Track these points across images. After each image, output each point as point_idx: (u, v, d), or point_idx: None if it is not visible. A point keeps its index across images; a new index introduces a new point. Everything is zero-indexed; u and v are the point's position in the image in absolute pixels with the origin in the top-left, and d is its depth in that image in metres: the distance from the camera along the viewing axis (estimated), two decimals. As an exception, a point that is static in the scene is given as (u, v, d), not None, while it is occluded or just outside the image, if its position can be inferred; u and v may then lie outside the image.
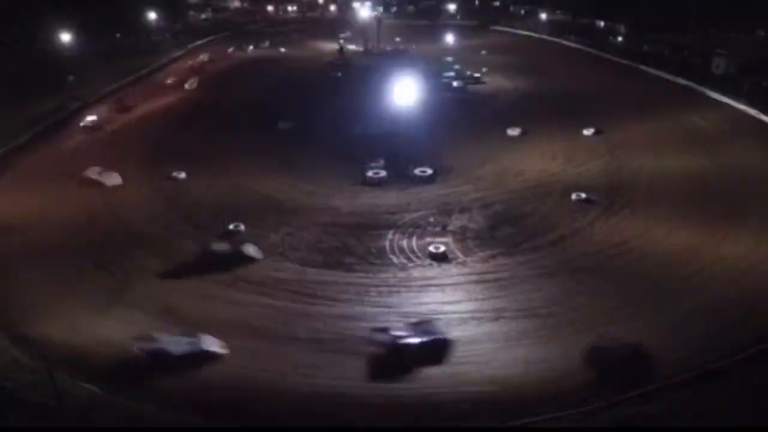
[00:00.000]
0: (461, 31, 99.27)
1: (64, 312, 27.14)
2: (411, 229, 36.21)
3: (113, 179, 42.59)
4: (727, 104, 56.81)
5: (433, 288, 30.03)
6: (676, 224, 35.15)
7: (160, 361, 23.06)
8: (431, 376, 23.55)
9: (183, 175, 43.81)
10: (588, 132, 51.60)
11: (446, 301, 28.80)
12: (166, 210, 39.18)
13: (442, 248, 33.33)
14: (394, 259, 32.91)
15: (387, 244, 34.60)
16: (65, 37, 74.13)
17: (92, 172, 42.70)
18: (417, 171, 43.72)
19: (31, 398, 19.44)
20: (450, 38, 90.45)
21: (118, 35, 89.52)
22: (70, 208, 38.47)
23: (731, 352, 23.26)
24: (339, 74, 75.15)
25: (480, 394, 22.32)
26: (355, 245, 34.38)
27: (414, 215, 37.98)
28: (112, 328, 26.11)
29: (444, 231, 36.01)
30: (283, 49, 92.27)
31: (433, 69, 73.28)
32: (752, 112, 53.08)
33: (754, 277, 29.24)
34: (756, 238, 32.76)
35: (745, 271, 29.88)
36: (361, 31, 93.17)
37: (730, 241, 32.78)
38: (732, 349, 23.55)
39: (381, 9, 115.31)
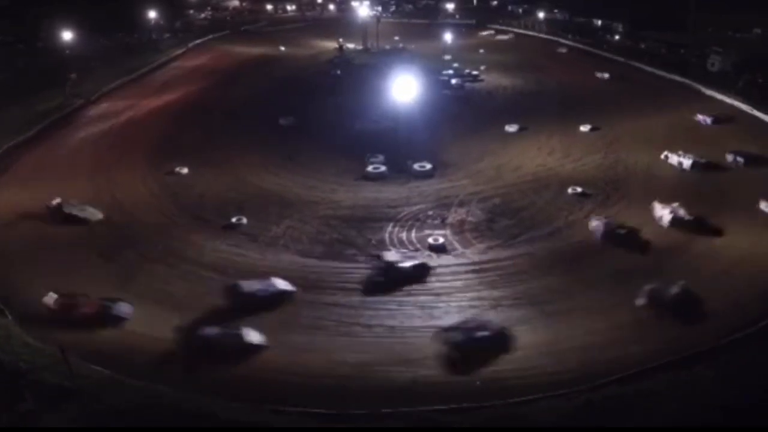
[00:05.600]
0: (459, 29, 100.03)
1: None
2: (410, 222, 36.97)
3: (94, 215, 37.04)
4: (721, 100, 57.66)
5: (432, 278, 30.68)
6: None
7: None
8: (434, 363, 24.19)
9: (185, 170, 44.42)
10: (585, 128, 52.42)
11: (445, 291, 29.51)
12: (170, 204, 39.80)
13: (441, 240, 34.10)
14: (394, 251, 33.58)
15: (387, 236, 35.38)
16: (67, 35, 74.65)
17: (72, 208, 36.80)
18: (416, 166, 44.45)
19: (46, 379, 20.11)
20: (448, 37, 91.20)
21: (119, 34, 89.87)
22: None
23: (720, 339, 24.13)
24: (338, 72, 75.79)
25: (477, 377, 23.07)
26: (356, 237, 35.13)
27: (413, 208, 38.74)
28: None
29: (443, 223, 36.77)
30: (282, 48, 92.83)
31: (431, 67, 73.94)
32: (745, 107, 53.98)
33: (749, 266, 30.06)
34: (748, 230, 33.63)
35: (740, 261, 30.69)
36: (360, 30, 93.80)
37: (724, 233, 33.59)
38: (726, 335, 24.44)
39: (380, 8, 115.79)
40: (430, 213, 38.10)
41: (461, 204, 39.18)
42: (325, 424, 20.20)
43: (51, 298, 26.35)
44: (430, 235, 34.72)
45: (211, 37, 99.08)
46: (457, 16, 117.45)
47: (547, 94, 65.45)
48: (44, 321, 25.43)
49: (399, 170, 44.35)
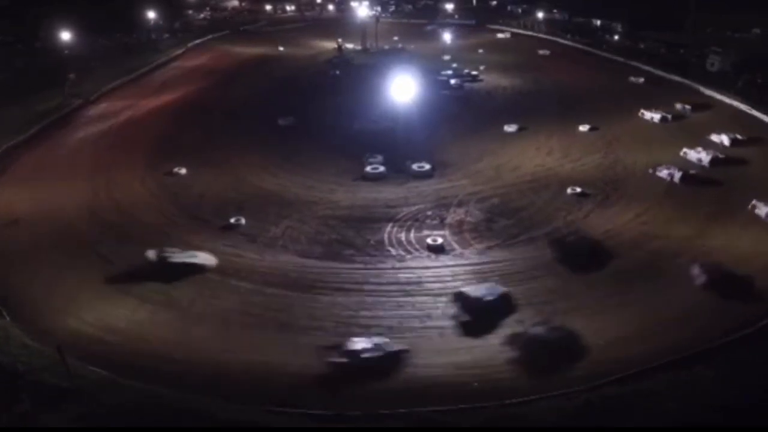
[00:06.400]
0: (458, 30, 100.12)
1: (69, 301, 27.81)
2: (409, 222, 36.89)
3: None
4: (720, 101, 57.76)
5: (431, 278, 30.67)
6: (671, 217, 35.98)
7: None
8: (432, 364, 24.11)
9: (184, 170, 44.36)
10: (584, 128, 52.45)
11: (444, 291, 29.39)
12: (169, 204, 39.70)
13: (440, 240, 34.05)
14: (392, 251, 33.58)
15: (385, 236, 35.26)
16: (65, 35, 74.62)
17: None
18: (415, 166, 44.39)
19: (43, 380, 20.08)
20: (447, 37, 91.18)
21: (118, 34, 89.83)
22: (74, 203, 39.06)
23: (715, 338, 24.19)
24: (337, 72, 75.82)
25: (475, 377, 23.04)
26: (354, 237, 35.07)
27: (412, 209, 38.68)
28: (116, 317, 26.93)
29: (441, 224, 36.71)
30: (281, 48, 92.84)
31: (430, 67, 73.97)
32: (744, 107, 54.04)
33: (742, 265, 30.04)
34: (741, 230, 33.76)
35: (734, 260, 30.64)
36: (359, 30, 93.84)
37: (720, 232, 33.64)
38: (721, 332, 24.48)
39: (379, 8, 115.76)
40: (429, 213, 38.04)
41: (460, 204, 39.15)
42: (323, 424, 20.17)
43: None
44: (428, 236, 34.68)
45: (210, 37, 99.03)
46: (456, 16, 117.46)
47: (546, 93, 65.53)
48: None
49: (398, 170, 44.28)
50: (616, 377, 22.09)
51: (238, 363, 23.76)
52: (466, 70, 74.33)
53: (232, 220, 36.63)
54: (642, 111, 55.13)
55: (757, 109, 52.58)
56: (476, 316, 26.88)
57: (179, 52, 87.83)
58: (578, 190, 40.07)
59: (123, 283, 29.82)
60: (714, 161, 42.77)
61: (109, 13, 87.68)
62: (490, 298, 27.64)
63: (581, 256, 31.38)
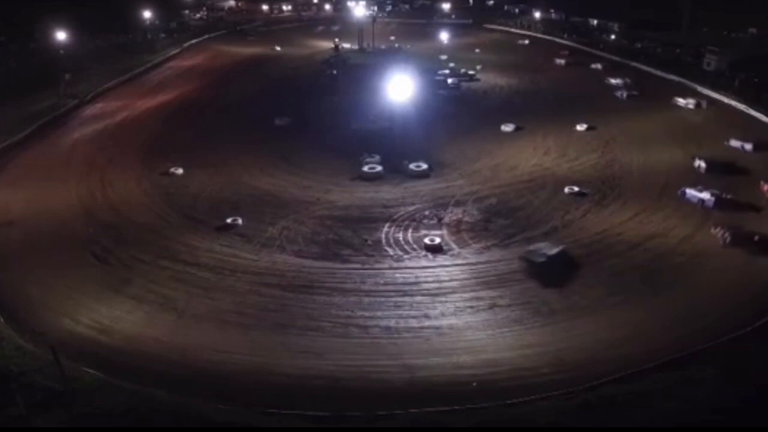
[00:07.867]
0: (455, 29, 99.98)
1: (64, 302, 27.59)
2: (406, 222, 36.72)
3: None
4: (717, 99, 57.74)
5: (429, 278, 30.53)
6: (668, 215, 35.90)
7: None
8: (430, 364, 24.04)
9: (180, 170, 44.12)
10: (581, 127, 52.33)
11: (441, 291, 29.30)
12: (164, 205, 39.45)
13: (437, 240, 33.90)
14: (390, 251, 33.41)
15: (383, 236, 35.08)
16: (61, 35, 74.30)
17: None
18: (412, 166, 44.22)
19: (37, 382, 19.86)
20: (444, 37, 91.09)
21: (114, 34, 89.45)
22: (70, 204, 38.85)
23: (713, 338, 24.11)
24: (334, 72, 75.56)
25: (474, 377, 22.89)
26: (351, 237, 34.88)
27: (409, 209, 38.52)
28: (112, 318, 26.70)
29: (439, 223, 36.54)
30: (278, 48, 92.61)
31: (427, 66, 73.82)
32: (741, 107, 54.02)
33: (741, 267, 30.01)
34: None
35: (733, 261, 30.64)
36: (356, 30, 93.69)
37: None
38: (718, 332, 24.39)
39: (376, 8, 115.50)
40: (426, 213, 37.87)
41: (457, 204, 38.99)
42: (321, 425, 20.00)
43: None
44: (426, 236, 34.53)
45: (206, 37, 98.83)
46: (453, 16, 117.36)
47: (543, 93, 65.44)
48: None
49: (395, 170, 44.11)
50: (615, 377, 21.97)
51: (234, 363, 23.63)
52: (463, 70, 74.20)
53: (229, 220, 36.40)
54: (555, 59, 77.13)
55: (754, 108, 52.52)
56: None
57: (175, 52, 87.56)
58: (575, 189, 39.97)
59: (120, 283, 29.59)
60: (628, 86, 63.43)
61: (105, 13, 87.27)
62: None
63: None
